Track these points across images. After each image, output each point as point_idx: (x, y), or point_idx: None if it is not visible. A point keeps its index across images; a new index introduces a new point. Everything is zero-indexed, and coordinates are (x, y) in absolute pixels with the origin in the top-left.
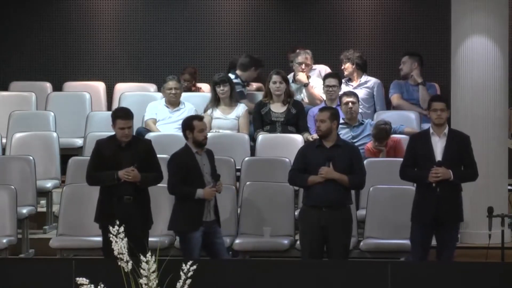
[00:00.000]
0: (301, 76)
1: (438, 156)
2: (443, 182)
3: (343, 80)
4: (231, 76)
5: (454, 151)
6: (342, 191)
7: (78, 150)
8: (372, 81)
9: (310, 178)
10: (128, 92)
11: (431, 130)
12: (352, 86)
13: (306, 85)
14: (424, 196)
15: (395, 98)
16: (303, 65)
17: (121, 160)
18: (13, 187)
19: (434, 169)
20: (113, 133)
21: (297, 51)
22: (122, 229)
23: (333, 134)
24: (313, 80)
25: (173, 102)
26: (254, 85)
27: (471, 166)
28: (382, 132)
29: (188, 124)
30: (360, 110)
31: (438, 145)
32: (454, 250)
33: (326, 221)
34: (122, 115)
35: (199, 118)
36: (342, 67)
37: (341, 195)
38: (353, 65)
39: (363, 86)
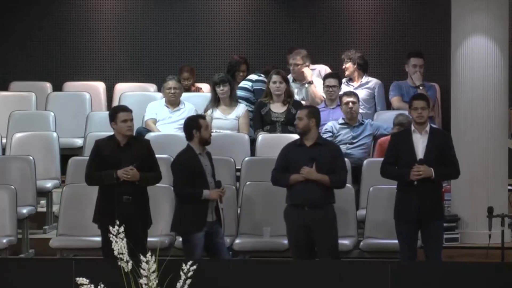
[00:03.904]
0: (307, 71)
1: (420, 154)
2: (424, 180)
3: (343, 80)
4: (259, 77)
5: (435, 149)
6: (324, 190)
7: (78, 150)
8: (373, 81)
9: (292, 177)
10: (128, 92)
11: (412, 128)
12: (353, 86)
13: (310, 83)
14: (406, 194)
15: (395, 100)
16: (292, 65)
17: (120, 160)
18: (13, 187)
19: (416, 167)
20: (112, 133)
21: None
22: (122, 229)
23: (312, 132)
24: (313, 80)
25: (173, 102)
26: None
27: (452, 164)
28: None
29: (195, 123)
30: (361, 111)
31: (420, 143)
32: (441, 249)
33: (309, 220)
34: (123, 108)
35: (203, 116)
36: (343, 67)
37: (323, 194)
38: (354, 65)
39: (364, 86)
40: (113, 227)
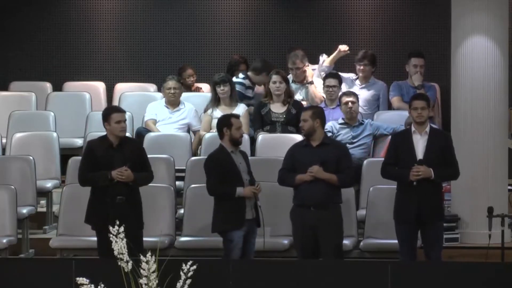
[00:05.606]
0: (309, 72)
1: (420, 154)
2: (424, 181)
3: (352, 79)
4: (241, 76)
5: (435, 150)
6: (330, 190)
7: (78, 150)
8: (379, 83)
9: (298, 176)
10: (128, 92)
11: (412, 129)
12: (359, 86)
13: (311, 83)
14: (405, 194)
15: (395, 101)
16: (293, 70)
17: (113, 160)
18: (13, 187)
19: (415, 167)
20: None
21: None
22: (122, 229)
23: (317, 132)
24: (313, 80)
25: (173, 102)
26: (259, 88)
27: (452, 164)
28: None
29: (227, 121)
30: (363, 111)
31: (420, 143)
32: (441, 249)
33: (315, 220)
34: (117, 109)
35: (236, 116)
36: (361, 67)
37: (329, 194)
38: (373, 68)
39: (370, 87)
40: (108, 227)
